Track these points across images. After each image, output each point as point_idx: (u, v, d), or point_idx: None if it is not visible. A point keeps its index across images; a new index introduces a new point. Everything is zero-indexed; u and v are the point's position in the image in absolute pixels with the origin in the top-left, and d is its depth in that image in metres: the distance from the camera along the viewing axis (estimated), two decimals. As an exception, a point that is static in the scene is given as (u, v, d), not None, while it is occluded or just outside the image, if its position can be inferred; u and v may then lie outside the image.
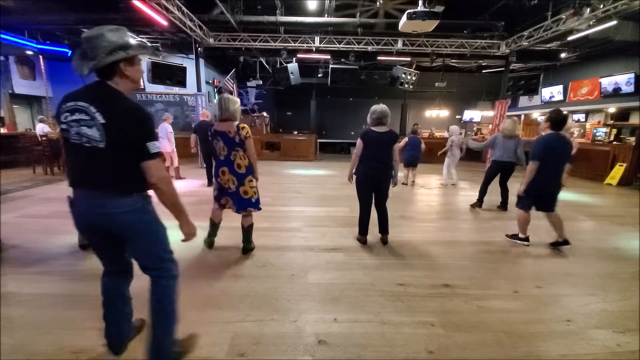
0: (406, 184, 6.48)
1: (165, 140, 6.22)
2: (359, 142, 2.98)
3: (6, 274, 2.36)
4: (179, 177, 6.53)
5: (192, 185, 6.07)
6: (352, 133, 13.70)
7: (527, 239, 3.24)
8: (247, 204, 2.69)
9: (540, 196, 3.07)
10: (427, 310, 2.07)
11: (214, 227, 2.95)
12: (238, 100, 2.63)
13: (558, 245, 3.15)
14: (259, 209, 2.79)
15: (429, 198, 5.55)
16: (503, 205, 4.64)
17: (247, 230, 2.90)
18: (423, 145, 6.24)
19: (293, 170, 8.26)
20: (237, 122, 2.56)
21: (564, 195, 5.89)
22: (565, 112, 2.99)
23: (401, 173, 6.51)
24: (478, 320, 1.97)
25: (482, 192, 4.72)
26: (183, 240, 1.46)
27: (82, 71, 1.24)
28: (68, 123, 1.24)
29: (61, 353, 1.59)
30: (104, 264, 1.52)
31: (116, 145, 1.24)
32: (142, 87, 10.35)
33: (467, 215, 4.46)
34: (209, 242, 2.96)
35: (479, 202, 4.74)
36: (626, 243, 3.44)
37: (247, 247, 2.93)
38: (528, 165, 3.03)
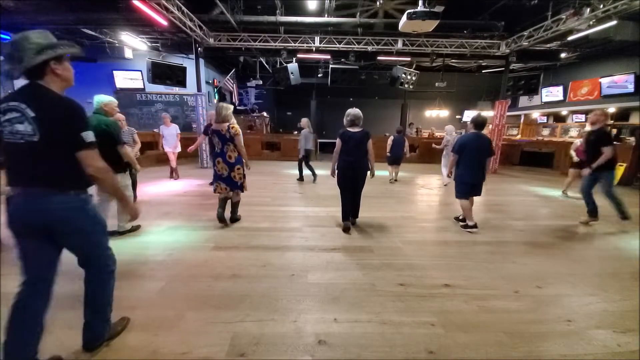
0: (392, 180, 6.86)
1: (177, 141, 6.31)
2: (338, 141, 3.43)
3: (6, 274, 2.36)
4: (177, 177, 6.63)
5: (192, 184, 6.08)
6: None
7: (475, 226, 3.64)
8: (236, 186, 3.48)
9: (471, 185, 3.60)
10: (427, 310, 2.07)
11: (221, 201, 3.54)
12: (231, 106, 3.35)
13: (460, 222, 3.81)
14: (242, 190, 3.57)
15: (429, 198, 5.55)
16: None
17: (235, 204, 3.69)
18: (407, 145, 6.61)
19: (293, 170, 8.24)
20: (228, 123, 3.25)
21: (564, 195, 5.93)
22: (485, 116, 3.71)
23: (387, 172, 6.98)
24: (478, 320, 1.97)
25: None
26: (129, 221, 1.69)
27: (13, 75, 1.29)
28: (2, 124, 1.28)
29: (62, 353, 1.59)
30: (29, 272, 1.43)
31: (50, 137, 1.28)
32: (141, 87, 10.36)
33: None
34: (218, 215, 3.51)
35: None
36: (626, 243, 3.44)
37: (234, 217, 3.71)
38: (450, 157, 3.88)
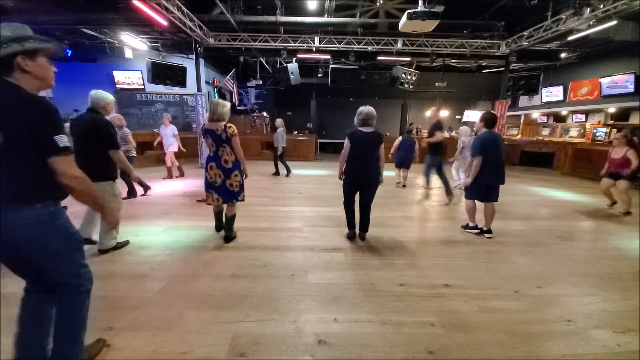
0: (400, 183, 6.46)
1: (174, 141, 6.36)
2: (346, 141, 3.08)
3: (6, 274, 2.36)
4: (182, 174, 6.85)
5: (192, 184, 6.08)
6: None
7: (475, 227, 3.63)
8: (232, 196, 3.01)
9: (487, 187, 3.42)
10: (427, 310, 2.07)
11: (216, 215, 3.34)
12: (227, 103, 2.94)
13: (483, 233, 3.55)
14: (238, 200, 3.07)
15: (429, 198, 5.54)
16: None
17: (229, 220, 3.15)
18: (417, 146, 6.16)
19: (293, 170, 8.23)
20: (224, 122, 2.85)
21: (564, 195, 5.95)
22: (494, 113, 3.62)
23: (393, 173, 6.65)
24: (478, 320, 1.97)
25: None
26: (111, 228, 1.62)
27: None
28: None
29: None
30: (25, 280, 1.38)
31: (15, 139, 1.14)
32: (141, 87, 10.34)
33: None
34: (216, 227, 3.38)
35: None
36: (626, 243, 3.44)
37: (229, 236, 3.16)
38: (474, 161, 3.43)
